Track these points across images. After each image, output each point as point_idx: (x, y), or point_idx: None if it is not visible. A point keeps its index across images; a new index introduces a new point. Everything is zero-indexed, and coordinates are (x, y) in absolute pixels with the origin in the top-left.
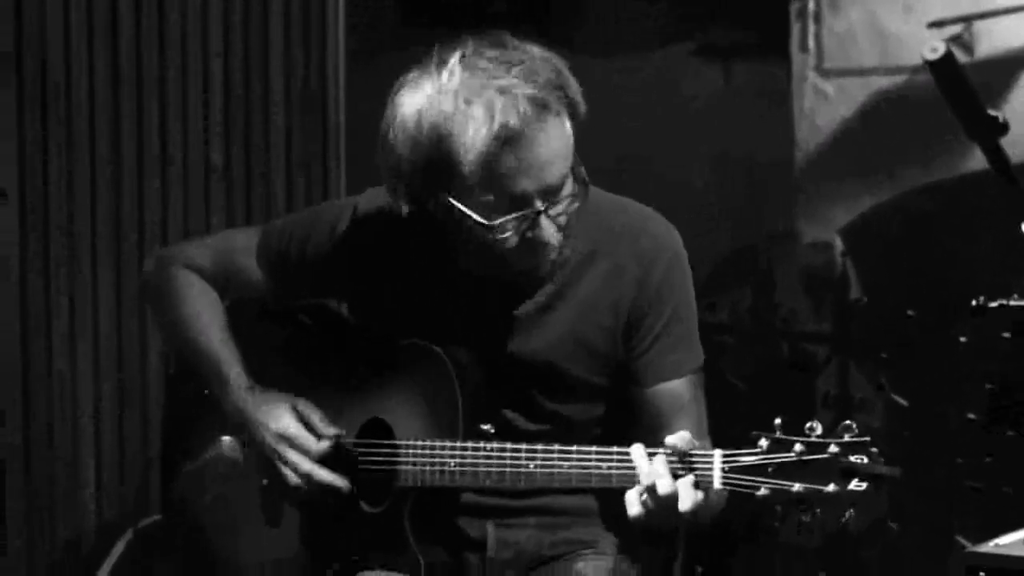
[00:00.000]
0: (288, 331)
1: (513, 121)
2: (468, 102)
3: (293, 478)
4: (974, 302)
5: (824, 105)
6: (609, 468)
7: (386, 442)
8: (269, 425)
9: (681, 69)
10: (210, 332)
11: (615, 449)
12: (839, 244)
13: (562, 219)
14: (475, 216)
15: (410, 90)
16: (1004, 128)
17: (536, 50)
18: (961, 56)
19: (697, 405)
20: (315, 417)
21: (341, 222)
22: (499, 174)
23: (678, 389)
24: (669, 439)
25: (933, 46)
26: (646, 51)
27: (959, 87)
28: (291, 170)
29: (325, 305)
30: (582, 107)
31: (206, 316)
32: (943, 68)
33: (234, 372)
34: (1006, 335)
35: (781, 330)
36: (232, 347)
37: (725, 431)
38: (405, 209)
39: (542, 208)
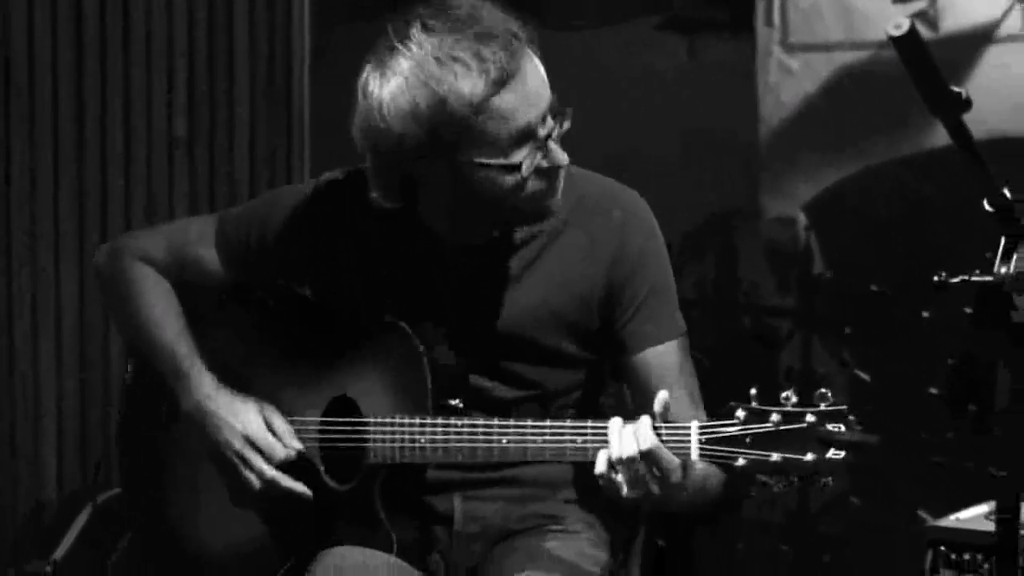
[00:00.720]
0: (252, 313)
1: (502, 59)
2: (454, 59)
3: (255, 483)
4: (936, 277)
5: (789, 80)
6: (584, 442)
7: (355, 419)
8: (235, 427)
9: (646, 43)
10: (165, 326)
11: (589, 423)
12: (803, 219)
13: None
14: (496, 161)
15: (382, 73)
16: (967, 104)
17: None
18: (926, 32)
19: (688, 368)
20: (282, 427)
21: (299, 207)
22: (503, 115)
23: (666, 354)
24: (661, 395)
25: (897, 22)
26: (612, 24)
27: (922, 63)
28: (255, 165)
29: (289, 286)
30: (536, 39)
31: (160, 309)
32: (907, 44)
33: (195, 368)
34: (968, 310)
35: (744, 304)
36: (190, 341)
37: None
38: (398, 201)
39: (547, 132)
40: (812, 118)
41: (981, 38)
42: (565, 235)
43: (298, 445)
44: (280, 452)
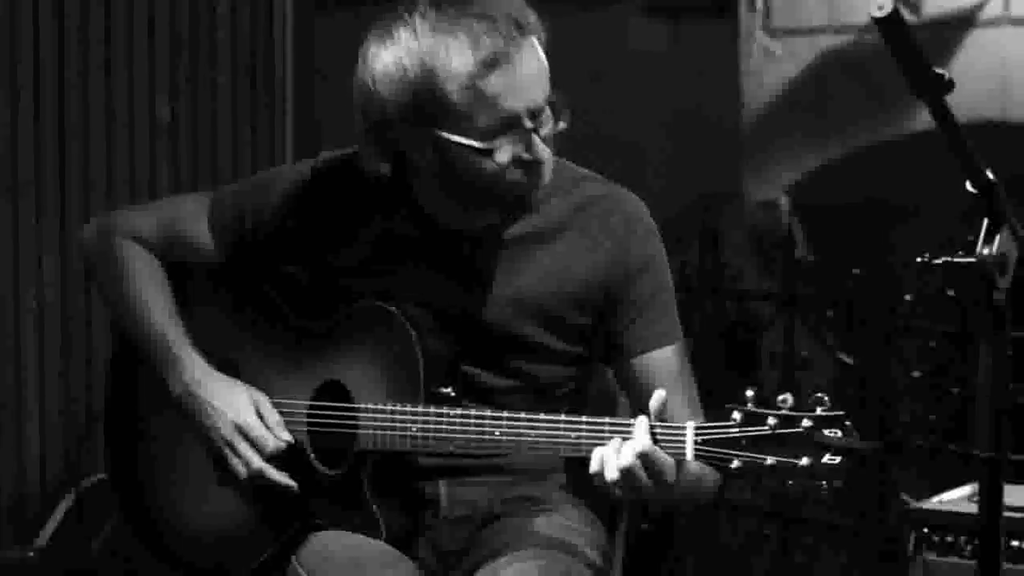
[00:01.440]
0: (241, 294)
1: (497, 43)
2: (450, 33)
3: (243, 471)
4: (919, 259)
5: (771, 64)
6: (578, 437)
7: (345, 405)
8: (226, 414)
9: (630, 27)
10: (154, 308)
11: (584, 419)
12: (786, 203)
13: (550, 139)
14: (472, 143)
15: (383, 41)
16: (950, 85)
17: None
18: (908, 16)
19: (686, 373)
20: (272, 418)
21: (295, 188)
22: (488, 98)
23: (666, 359)
24: (659, 394)
25: (880, 2)
26: (593, 8)
27: (905, 44)
28: (238, 155)
29: (281, 268)
30: (543, 34)
31: (150, 291)
32: (889, 25)
33: (184, 352)
34: (951, 293)
35: (728, 289)
36: (179, 324)
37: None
38: (385, 167)
39: (532, 126)
40: (795, 102)
41: (963, 22)
42: (564, 236)
43: (288, 437)
44: (270, 444)
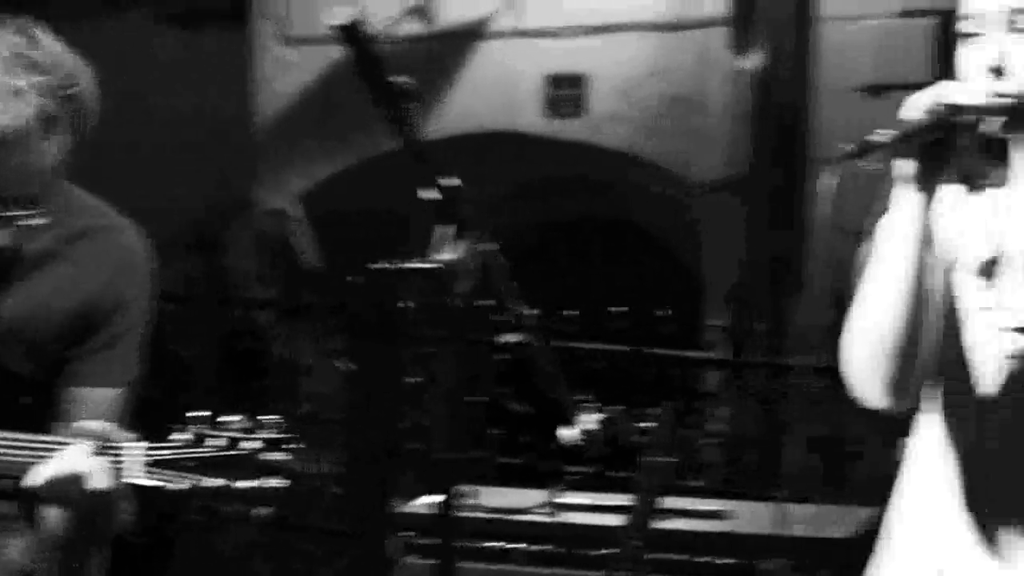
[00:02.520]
0: None
1: (17, 125)
2: None
3: None
4: (370, 265)
5: (285, 72)
6: (16, 455)
7: None
8: None
9: (143, 35)
10: None
11: (23, 435)
12: (294, 211)
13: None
14: None
15: None
16: (411, 95)
17: (64, 55)
18: (421, 26)
19: (125, 416)
20: None
21: None
22: None
23: (108, 399)
24: (89, 425)
25: (338, 11)
26: (108, 16)
27: (365, 53)
28: None
29: None
30: (92, 119)
31: None
32: (350, 33)
33: None
34: (459, 298)
35: (232, 296)
36: None
37: (170, 401)
38: None
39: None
40: (306, 112)
41: (473, 33)
42: (51, 266)
43: None
44: None
